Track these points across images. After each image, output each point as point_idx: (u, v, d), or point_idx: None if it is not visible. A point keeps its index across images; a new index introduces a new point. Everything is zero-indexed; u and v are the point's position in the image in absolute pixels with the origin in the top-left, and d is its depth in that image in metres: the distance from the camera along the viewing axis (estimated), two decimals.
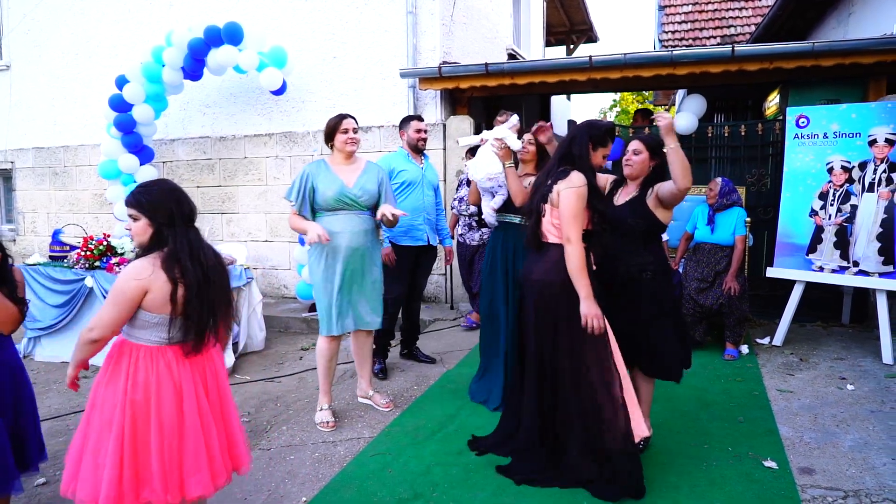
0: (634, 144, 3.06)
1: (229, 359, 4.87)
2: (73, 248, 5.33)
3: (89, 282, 4.84)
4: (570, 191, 2.75)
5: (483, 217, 3.79)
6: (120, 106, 6.44)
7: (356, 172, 3.52)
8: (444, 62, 6.32)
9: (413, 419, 3.68)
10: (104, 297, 3.83)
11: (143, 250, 2.11)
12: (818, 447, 3.23)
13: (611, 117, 27.03)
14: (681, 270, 5.06)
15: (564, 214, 2.75)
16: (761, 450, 3.17)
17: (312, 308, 5.94)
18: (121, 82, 6.46)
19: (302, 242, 5.80)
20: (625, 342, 2.93)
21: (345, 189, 3.44)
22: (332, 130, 3.49)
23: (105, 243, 4.98)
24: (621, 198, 3.13)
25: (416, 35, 6.46)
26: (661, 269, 3.03)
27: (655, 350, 2.99)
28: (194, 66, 6.39)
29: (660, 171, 3.04)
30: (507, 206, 3.69)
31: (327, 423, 3.56)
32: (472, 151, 4.44)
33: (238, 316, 5.19)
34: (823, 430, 3.42)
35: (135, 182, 6.73)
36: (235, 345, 5.15)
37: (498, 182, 3.60)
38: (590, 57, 5.45)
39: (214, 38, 6.11)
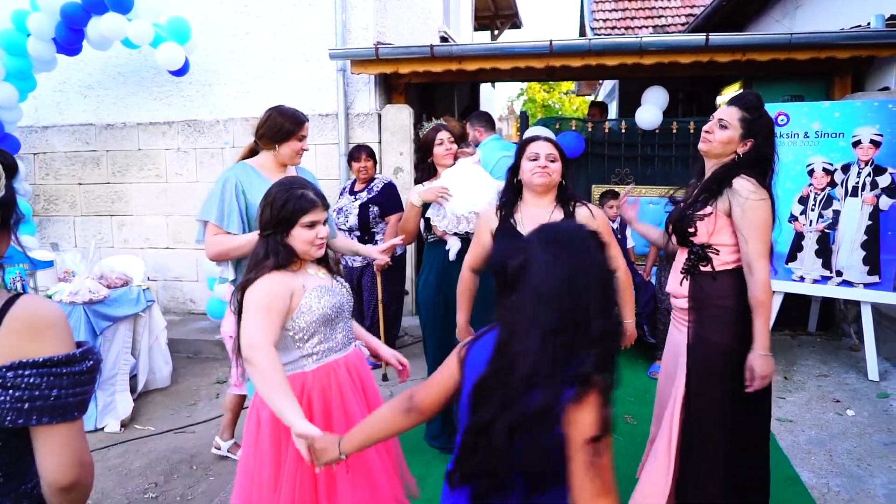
0: (548, 148, 2.33)
1: (126, 404, 3.92)
2: None
3: None
4: None
5: (449, 252, 3.07)
6: None
7: None
8: (380, 42, 5.51)
9: None
10: None
11: None
12: (851, 499, 2.82)
13: (517, 107, 26.80)
14: (654, 282, 4.59)
15: None
16: None
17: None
18: None
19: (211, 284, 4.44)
20: None
21: None
22: (290, 131, 2.63)
23: None
24: (533, 221, 2.18)
25: (346, 10, 5.59)
26: None
27: None
28: (70, 38, 5.20)
29: (567, 175, 2.46)
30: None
31: None
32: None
33: (137, 349, 4.21)
34: (847, 474, 3.03)
35: None
36: (133, 379, 4.18)
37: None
38: (550, 41, 4.82)
39: (96, 3, 4.97)
